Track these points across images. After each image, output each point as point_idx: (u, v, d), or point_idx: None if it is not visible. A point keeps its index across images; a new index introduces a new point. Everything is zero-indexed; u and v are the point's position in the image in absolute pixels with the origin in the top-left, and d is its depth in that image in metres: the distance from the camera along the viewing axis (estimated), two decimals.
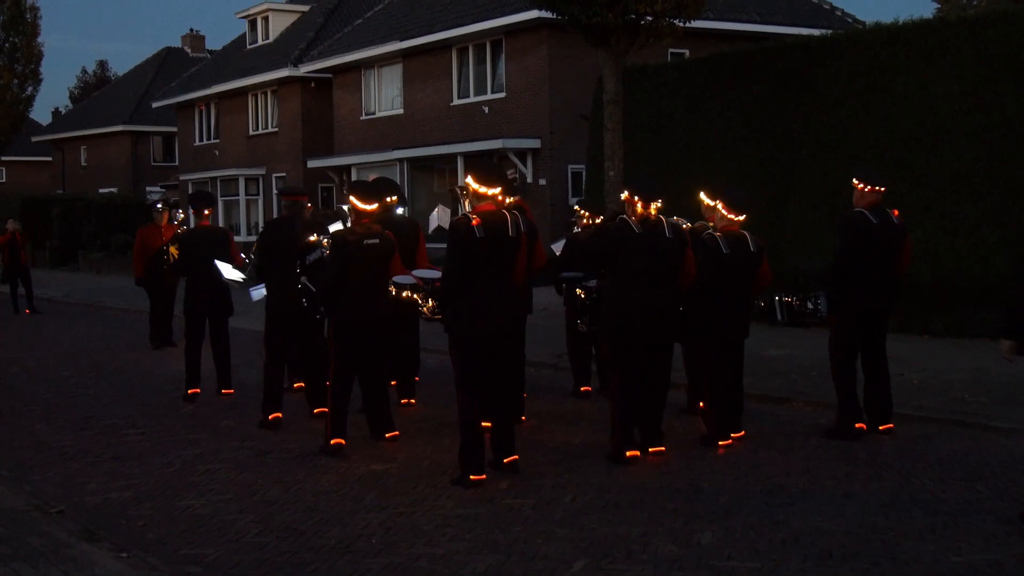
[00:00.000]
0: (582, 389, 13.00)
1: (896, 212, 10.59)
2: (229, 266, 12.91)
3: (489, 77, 33.06)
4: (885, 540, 7.31)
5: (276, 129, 43.72)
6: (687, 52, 28.48)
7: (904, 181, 17.75)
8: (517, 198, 10.77)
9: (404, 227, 11.82)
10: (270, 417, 11.64)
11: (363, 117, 38.56)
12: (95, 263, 45.97)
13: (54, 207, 52.58)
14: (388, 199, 11.73)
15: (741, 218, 10.27)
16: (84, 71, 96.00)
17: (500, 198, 9.10)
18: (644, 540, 7.39)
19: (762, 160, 20.22)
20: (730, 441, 10.30)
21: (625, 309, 9.62)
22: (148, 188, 54.38)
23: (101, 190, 56.96)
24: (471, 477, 8.94)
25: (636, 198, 9.68)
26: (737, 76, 21.29)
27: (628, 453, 9.64)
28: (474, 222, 8.80)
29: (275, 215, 41.57)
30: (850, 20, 34.02)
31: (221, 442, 10.88)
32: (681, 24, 17.76)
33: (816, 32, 23.28)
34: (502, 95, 32.26)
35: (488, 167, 9.87)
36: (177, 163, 53.71)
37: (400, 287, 10.47)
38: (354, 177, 37.29)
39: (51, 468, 10.00)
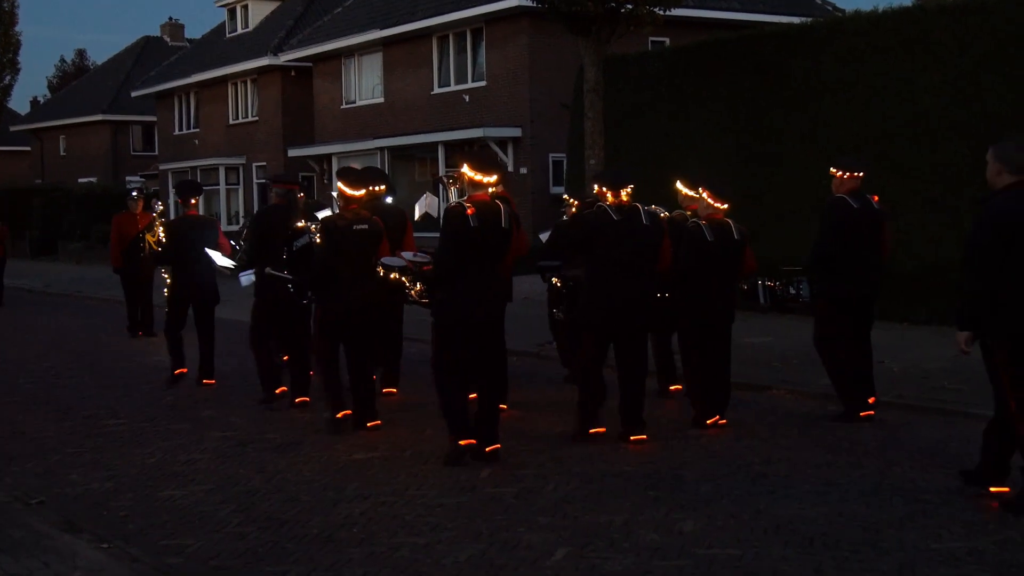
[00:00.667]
0: None
1: (876, 198, 10.70)
2: (219, 253, 12.96)
3: (470, 66, 33.01)
4: (866, 527, 7.33)
5: (256, 118, 43.60)
6: (668, 41, 28.47)
7: (885, 171, 17.78)
8: (501, 188, 10.72)
9: (392, 215, 11.90)
10: (278, 391, 12.00)
11: (344, 106, 38.48)
12: (75, 253, 45.77)
13: (34, 197, 52.35)
14: (376, 188, 11.84)
15: (725, 206, 10.39)
16: (63, 60, 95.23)
17: (494, 188, 9.19)
18: (626, 528, 7.40)
19: (742, 149, 20.25)
20: (716, 419, 10.43)
21: (603, 297, 9.73)
22: (128, 178, 54.15)
23: (81, 180, 56.71)
24: (460, 442, 9.12)
25: (604, 189, 9.86)
26: (717, 65, 21.29)
27: (591, 431, 9.88)
28: (469, 211, 8.86)
29: (255, 204, 41.56)
30: (830, 8, 34.08)
31: (202, 432, 10.86)
32: (661, 12, 17.78)
33: (796, 20, 23.30)
34: (483, 84, 32.22)
35: (484, 156, 9.99)
36: (157, 152, 53.49)
37: (389, 268, 10.55)
38: (335, 166, 37.21)
39: (31, 459, 9.97)
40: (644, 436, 9.89)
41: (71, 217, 48.80)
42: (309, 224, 11.07)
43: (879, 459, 9.19)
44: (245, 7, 46.50)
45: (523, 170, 30.62)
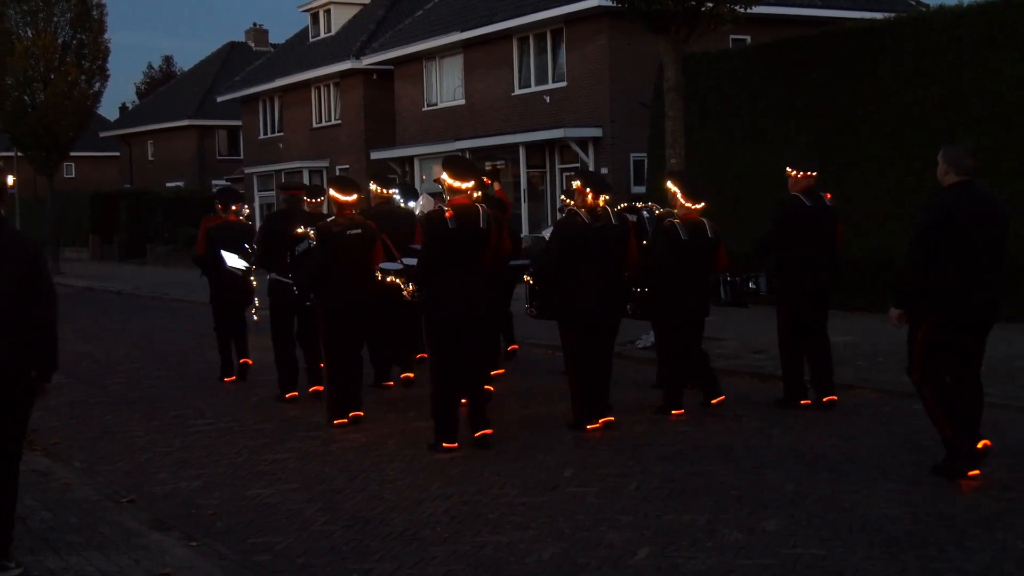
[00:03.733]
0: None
1: (829, 195, 11.38)
2: (234, 255, 13.56)
3: (550, 66, 33.01)
4: (952, 527, 7.26)
5: (339, 121, 43.93)
6: (749, 38, 28.28)
7: None
8: (498, 190, 11.81)
9: (401, 218, 12.93)
10: (287, 396, 12.68)
11: (425, 108, 38.66)
12: (162, 256, 46.52)
13: (122, 202, 53.24)
14: (385, 191, 13.07)
15: (699, 206, 11.15)
16: (150, 67, 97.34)
17: (472, 192, 9.98)
18: (709, 527, 7.40)
19: (824, 146, 20.03)
20: (682, 412, 11.14)
21: (575, 293, 10.44)
22: (214, 182, 54.80)
23: (168, 184, 57.64)
24: (444, 444, 9.81)
25: (587, 189, 10.53)
26: (798, 62, 21.11)
27: (588, 427, 10.46)
28: (447, 214, 9.71)
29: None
30: (914, 4, 33.57)
31: (287, 432, 11.00)
32: (742, 10, 17.61)
33: (879, 16, 23.02)
34: (563, 84, 32.20)
35: (462, 163, 10.73)
36: (242, 156, 54.13)
37: (385, 272, 11.39)
38: (417, 168, 37.45)
39: (121, 458, 10.17)
40: (612, 419, 10.57)
41: (158, 221, 49.60)
42: (308, 230, 11.68)
43: None
44: (328, 12, 46.89)
45: (604, 170, 30.52)
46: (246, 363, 14.26)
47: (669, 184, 11.43)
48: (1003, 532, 7.12)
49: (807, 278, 11.13)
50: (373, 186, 13.33)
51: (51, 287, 6.83)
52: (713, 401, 11.33)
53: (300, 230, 11.82)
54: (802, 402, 11.28)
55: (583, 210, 10.47)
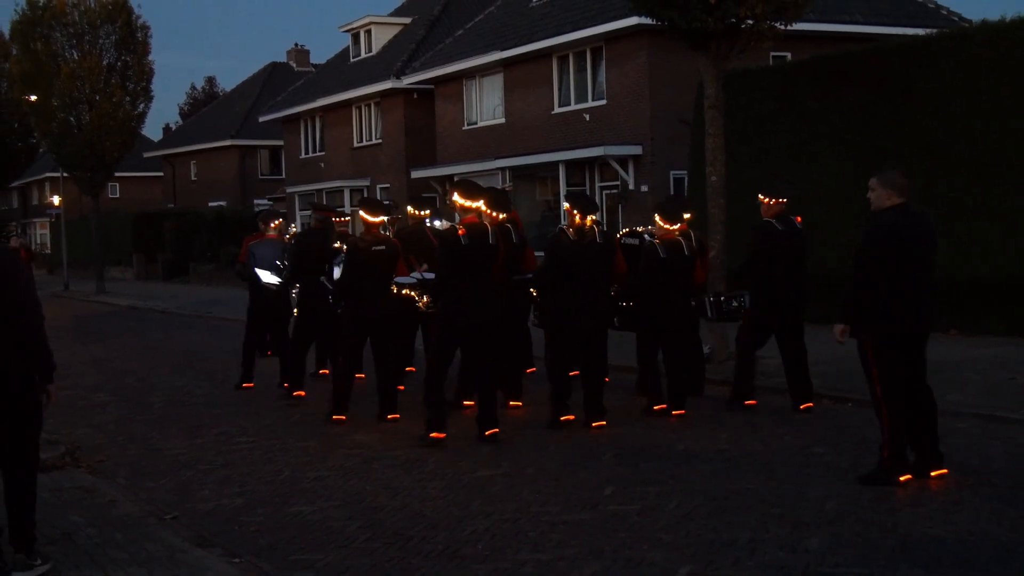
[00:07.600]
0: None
1: (799, 219, 12.26)
2: (267, 272, 14.67)
3: (590, 84, 33.02)
4: (997, 547, 7.20)
5: (380, 141, 44.10)
6: (789, 55, 28.20)
7: (1010, 183, 17.41)
8: (513, 212, 12.57)
9: (428, 237, 13.81)
10: (294, 394, 13.93)
11: (465, 127, 38.76)
12: (205, 275, 46.84)
13: (165, 221, 53.69)
14: (420, 212, 14.28)
15: (676, 227, 12.04)
16: (193, 87, 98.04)
17: (485, 210, 11.04)
18: (751, 546, 7.37)
19: (864, 163, 19.91)
20: (663, 406, 12.05)
21: (563, 305, 11.42)
22: (256, 201, 55.19)
23: (211, 204, 58.03)
24: (431, 435, 10.76)
25: (575, 211, 11.47)
26: (839, 78, 21.02)
27: (562, 418, 11.52)
28: (460, 232, 10.65)
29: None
30: (956, 19, 33.35)
31: (329, 450, 11.04)
32: (782, 27, 17.57)
33: (921, 32, 22.89)
34: (603, 102, 32.20)
35: (470, 184, 11.66)
36: (284, 176, 54.42)
37: (401, 286, 12.47)
38: None
39: (165, 475, 10.25)
40: (604, 423, 11.46)
41: (202, 240, 49.98)
42: (342, 246, 12.98)
43: (1009, 477, 9.02)
44: (368, 32, 47.11)
45: (644, 187, 30.51)
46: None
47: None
48: None
49: (781, 295, 12.03)
50: (409, 208, 14.49)
51: (29, 295, 7.07)
52: (655, 408, 12.07)
53: (336, 245, 13.30)
54: (747, 403, 12.26)
55: (571, 229, 11.43)
